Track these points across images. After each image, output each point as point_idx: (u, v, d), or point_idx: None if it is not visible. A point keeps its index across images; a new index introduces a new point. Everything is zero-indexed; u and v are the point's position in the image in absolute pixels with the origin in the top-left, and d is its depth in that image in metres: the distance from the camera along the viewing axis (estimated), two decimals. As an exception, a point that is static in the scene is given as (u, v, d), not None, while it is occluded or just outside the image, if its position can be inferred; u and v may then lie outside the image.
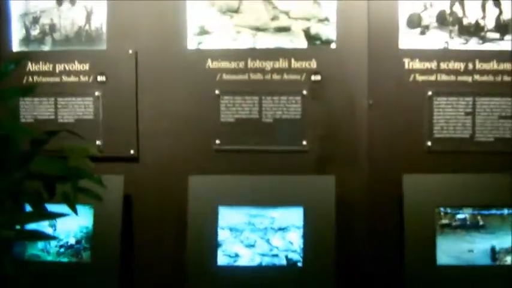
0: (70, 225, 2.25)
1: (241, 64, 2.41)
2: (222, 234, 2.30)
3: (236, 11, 2.42)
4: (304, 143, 2.41)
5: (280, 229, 2.32)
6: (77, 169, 1.37)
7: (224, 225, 2.31)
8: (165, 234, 2.41)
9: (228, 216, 2.31)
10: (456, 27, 2.45)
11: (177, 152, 2.40)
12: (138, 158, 2.41)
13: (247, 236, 2.31)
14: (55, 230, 2.28)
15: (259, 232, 2.32)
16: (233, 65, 2.42)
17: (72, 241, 2.29)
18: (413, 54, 2.43)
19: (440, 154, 2.43)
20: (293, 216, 2.33)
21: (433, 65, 2.43)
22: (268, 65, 2.42)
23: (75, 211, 1.40)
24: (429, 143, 2.43)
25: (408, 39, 2.42)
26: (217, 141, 2.41)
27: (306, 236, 2.31)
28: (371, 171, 2.41)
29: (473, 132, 2.44)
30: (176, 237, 2.37)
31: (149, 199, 2.41)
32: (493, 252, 2.36)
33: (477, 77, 2.44)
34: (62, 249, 2.28)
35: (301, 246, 2.28)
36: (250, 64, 2.42)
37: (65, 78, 2.42)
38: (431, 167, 2.42)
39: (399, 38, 2.42)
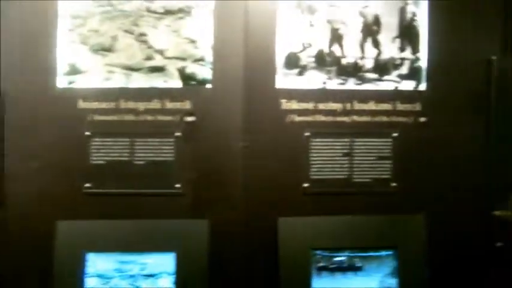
0: None
1: (113, 104, 2.75)
2: (90, 282, 2.63)
3: (109, 49, 2.77)
4: (178, 185, 2.76)
5: (151, 276, 2.67)
6: None
7: (92, 272, 2.64)
8: (30, 282, 2.72)
9: (97, 263, 2.64)
10: (335, 68, 2.83)
11: (45, 195, 2.72)
12: (2, 202, 2.73)
13: (116, 283, 2.64)
14: None
15: (128, 279, 2.65)
16: (105, 105, 2.75)
17: None
18: (291, 94, 2.79)
19: (317, 196, 2.80)
20: (165, 262, 2.67)
21: (310, 105, 2.81)
22: (141, 105, 2.77)
23: None
24: (306, 185, 2.80)
25: (285, 80, 2.79)
26: (87, 185, 2.75)
27: (177, 283, 2.65)
28: (247, 214, 2.75)
29: (351, 173, 2.83)
30: (43, 285, 2.68)
31: (14, 245, 2.71)
32: (370, 295, 2.74)
33: (355, 117, 2.83)
34: None
35: (173, 293, 2.61)
36: (122, 104, 2.76)
37: None
38: (309, 208, 2.78)
39: (276, 78, 2.78)
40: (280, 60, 2.71)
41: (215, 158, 2.71)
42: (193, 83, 2.69)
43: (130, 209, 2.65)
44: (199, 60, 2.68)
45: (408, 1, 2.76)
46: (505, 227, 2.73)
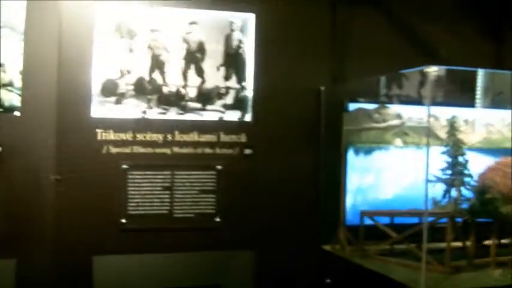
0: None
1: None
2: None
3: None
4: (-20, 222, 2.82)
5: None
6: None
7: None
8: None
9: None
10: (155, 96, 3.01)
11: None
12: None
13: None
14: None
15: None
16: None
17: None
18: (107, 124, 2.92)
19: (136, 232, 2.95)
20: (-38, 307, 2.73)
21: (128, 136, 2.96)
22: None
23: None
24: (123, 221, 2.95)
25: (102, 108, 2.92)
26: None
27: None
28: (58, 253, 2.83)
29: (172, 208, 3.00)
30: None
31: None
32: None
33: (176, 149, 3.01)
34: None
35: None
36: None
37: None
38: (127, 246, 2.92)
39: (92, 107, 2.92)
40: (96, 87, 2.83)
41: (24, 192, 2.80)
42: (-1, 110, 2.70)
43: None
44: (6, 85, 2.79)
45: (234, 28, 2.95)
46: (334, 262, 2.97)
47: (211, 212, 2.88)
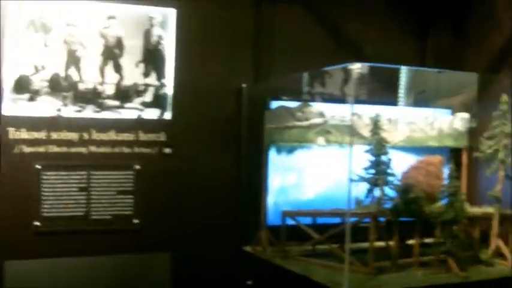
0: None
1: None
2: None
3: None
4: None
5: None
6: None
7: None
8: None
9: None
10: (71, 93, 2.96)
11: None
12: None
13: None
14: None
15: None
16: None
17: None
18: (20, 122, 2.85)
19: (50, 235, 2.89)
20: None
21: (42, 135, 2.89)
22: None
23: None
24: (37, 223, 2.89)
25: (14, 106, 2.85)
26: None
27: None
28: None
29: (89, 210, 2.96)
30: None
31: None
32: None
33: (93, 148, 2.96)
34: None
35: None
36: None
37: None
38: (41, 250, 2.85)
39: (3, 104, 2.85)
40: (8, 83, 2.78)
41: None
42: None
43: None
44: None
45: (154, 23, 2.92)
46: (255, 264, 2.98)
47: (129, 213, 2.88)
